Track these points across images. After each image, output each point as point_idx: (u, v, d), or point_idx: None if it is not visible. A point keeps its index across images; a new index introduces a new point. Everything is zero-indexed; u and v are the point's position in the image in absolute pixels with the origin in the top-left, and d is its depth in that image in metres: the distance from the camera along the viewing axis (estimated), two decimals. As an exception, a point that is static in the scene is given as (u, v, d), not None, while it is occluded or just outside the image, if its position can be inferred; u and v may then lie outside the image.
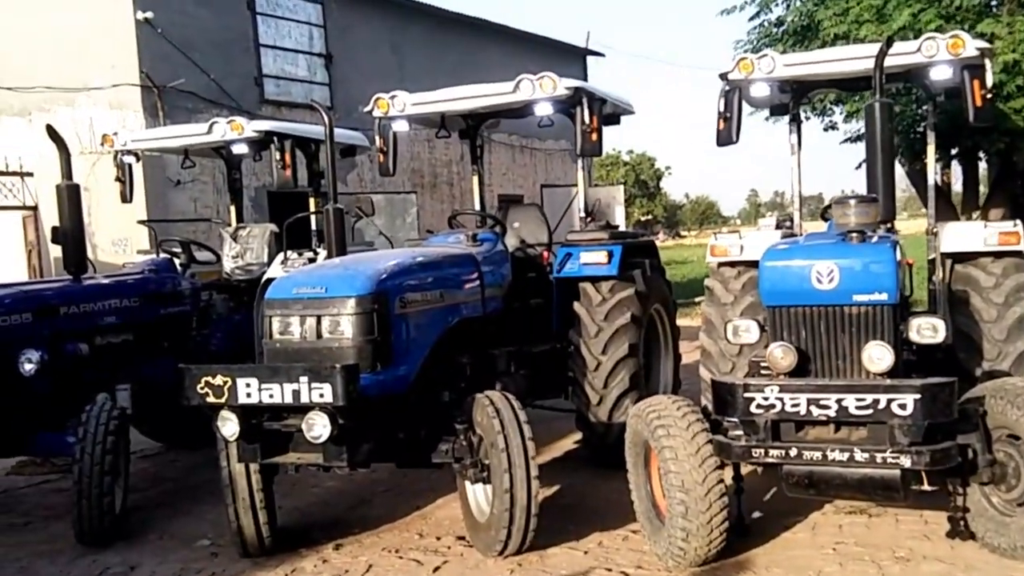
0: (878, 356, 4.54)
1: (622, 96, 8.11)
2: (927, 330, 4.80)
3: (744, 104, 6.82)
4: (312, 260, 7.56)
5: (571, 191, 8.95)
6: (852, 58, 6.45)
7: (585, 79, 21.29)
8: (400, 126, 7.81)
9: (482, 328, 6.42)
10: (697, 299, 14.53)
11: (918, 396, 4.26)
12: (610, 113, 7.94)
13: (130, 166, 9.09)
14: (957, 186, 16.28)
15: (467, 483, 5.45)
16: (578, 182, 8.10)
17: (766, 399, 4.55)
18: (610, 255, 7.06)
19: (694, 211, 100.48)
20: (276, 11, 16.76)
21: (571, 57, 25.07)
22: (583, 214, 7.92)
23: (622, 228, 8.47)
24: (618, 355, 6.89)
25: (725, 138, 6.68)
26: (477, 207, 8.52)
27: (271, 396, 4.82)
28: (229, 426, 4.96)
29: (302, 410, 4.81)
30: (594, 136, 7.09)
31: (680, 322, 8.57)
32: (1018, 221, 6.21)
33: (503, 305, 6.82)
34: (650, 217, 74.10)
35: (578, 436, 7.50)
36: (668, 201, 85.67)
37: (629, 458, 5.34)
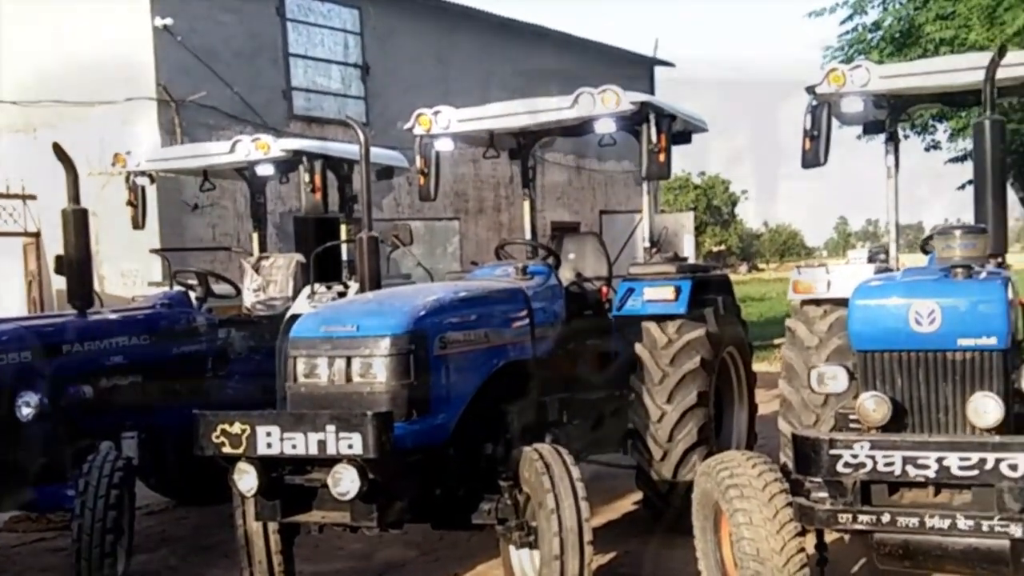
0: (985, 409, 4.49)
1: (694, 112, 8.16)
2: (1042, 379, 4.74)
3: (834, 121, 6.85)
4: (342, 295, 7.67)
5: (634, 218, 9.00)
6: (959, 69, 6.45)
7: (652, 92, 21.40)
8: (443, 145, 7.94)
9: (532, 372, 6.46)
10: (777, 341, 14.43)
11: (1031, 456, 4.20)
12: (680, 131, 8.00)
13: (143, 188, 9.32)
14: (1078, 215, 16.07)
15: (511, 548, 5.47)
16: (643, 208, 8.14)
17: (855, 457, 4.51)
18: (678, 291, 7.08)
19: (773, 241, 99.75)
20: (308, 17, 17.14)
21: (637, 67, 25.21)
22: (647, 244, 7.96)
23: (691, 260, 8.48)
24: (685, 404, 6.88)
25: (812, 159, 6.70)
26: (528, 236, 8.60)
27: (294, 447, 4.88)
28: (247, 480, 5.02)
29: (328, 463, 4.86)
30: (662, 156, 7.15)
31: (757, 367, 8.55)
32: None
33: (556, 346, 6.86)
34: (723, 248, 73.76)
35: (639, 496, 7.49)
36: (744, 230, 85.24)
37: (696, 522, 5.32)
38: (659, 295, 7.11)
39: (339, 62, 17.77)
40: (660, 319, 7.14)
